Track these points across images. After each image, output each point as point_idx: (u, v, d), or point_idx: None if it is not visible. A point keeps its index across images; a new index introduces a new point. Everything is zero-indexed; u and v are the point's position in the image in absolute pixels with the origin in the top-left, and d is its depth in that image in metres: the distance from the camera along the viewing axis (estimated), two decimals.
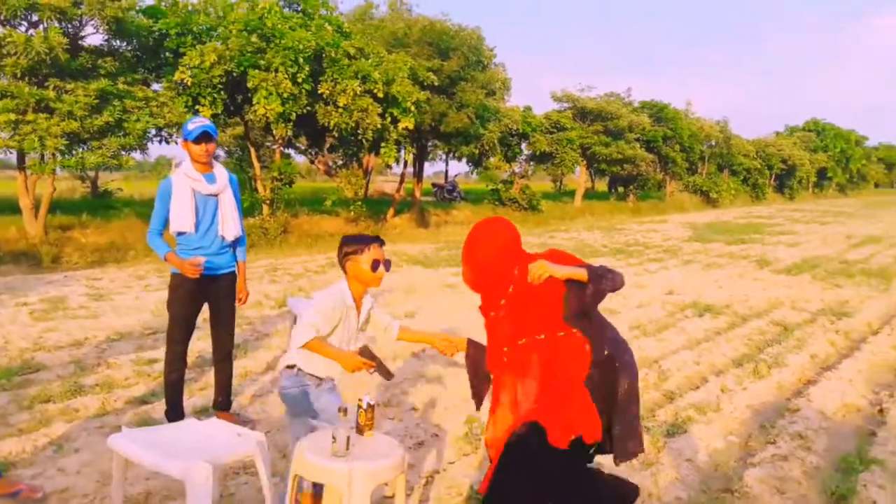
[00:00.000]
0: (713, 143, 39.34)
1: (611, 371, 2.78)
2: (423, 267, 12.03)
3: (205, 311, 4.45)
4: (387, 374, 3.16)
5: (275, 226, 15.05)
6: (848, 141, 59.08)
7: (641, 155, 29.75)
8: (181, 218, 4.16)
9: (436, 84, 16.44)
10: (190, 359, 4.73)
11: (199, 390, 5.30)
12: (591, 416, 2.72)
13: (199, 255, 4.15)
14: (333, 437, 2.70)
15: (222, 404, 4.63)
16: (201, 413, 4.72)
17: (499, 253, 2.76)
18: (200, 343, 6.08)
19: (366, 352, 3.08)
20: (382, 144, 15.33)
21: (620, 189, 35.21)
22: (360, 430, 2.89)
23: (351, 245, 3.13)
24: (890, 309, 9.19)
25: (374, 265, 3.09)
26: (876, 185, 72.53)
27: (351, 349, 3.15)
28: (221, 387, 4.63)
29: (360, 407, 2.89)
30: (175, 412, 4.38)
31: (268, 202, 15.44)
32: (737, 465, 4.18)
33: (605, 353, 2.78)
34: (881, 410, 5.15)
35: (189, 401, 4.88)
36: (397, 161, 17.56)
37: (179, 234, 4.22)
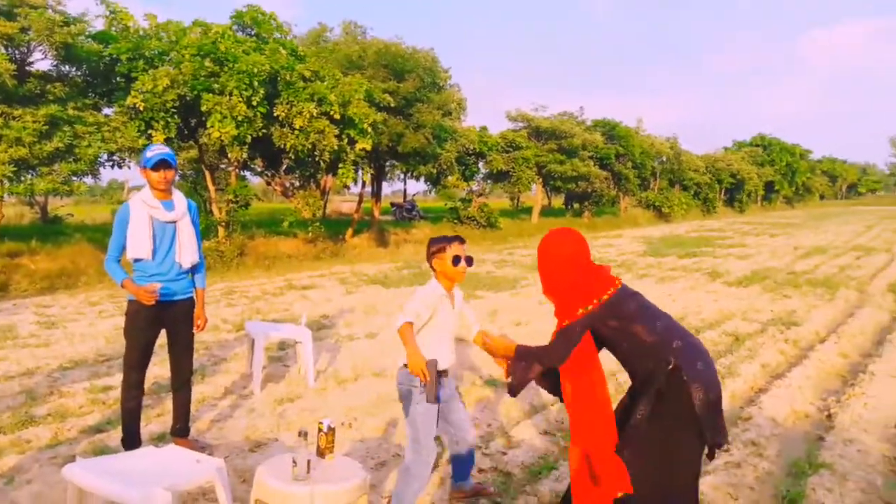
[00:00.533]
0: (664, 159, 40.31)
1: (678, 383, 2.77)
2: (383, 287, 12.02)
3: (162, 337, 4.42)
4: (431, 397, 3.19)
5: (231, 248, 14.89)
6: (793, 154, 61.14)
7: (595, 172, 30.30)
8: (138, 245, 4.17)
9: (392, 105, 16.56)
10: (146, 385, 4.66)
11: (156, 417, 5.22)
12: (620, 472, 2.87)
13: (155, 282, 4.14)
14: (294, 461, 2.70)
15: (180, 430, 4.58)
16: (159, 440, 4.65)
17: (563, 264, 2.98)
18: (156, 369, 5.99)
19: (431, 366, 3.18)
20: (340, 165, 15.35)
21: (576, 205, 35.75)
22: (320, 454, 2.90)
23: (435, 245, 3.49)
24: (835, 317, 9.52)
25: (455, 260, 3.40)
26: (821, 197, 75.00)
27: (446, 340, 3.45)
28: (180, 413, 4.58)
29: (320, 430, 2.90)
30: (132, 440, 4.31)
31: (223, 224, 15.29)
32: None
33: (670, 366, 2.79)
34: (829, 416, 5.33)
35: (146, 428, 4.80)
36: (355, 181, 17.56)
37: (136, 260, 4.21)
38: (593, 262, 3.06)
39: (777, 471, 4.31)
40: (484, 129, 26.39)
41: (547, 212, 35.45)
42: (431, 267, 3.52)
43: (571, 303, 2.95)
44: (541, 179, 29.89)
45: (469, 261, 3.45)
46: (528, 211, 33.62)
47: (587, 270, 3.01)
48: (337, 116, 14.19)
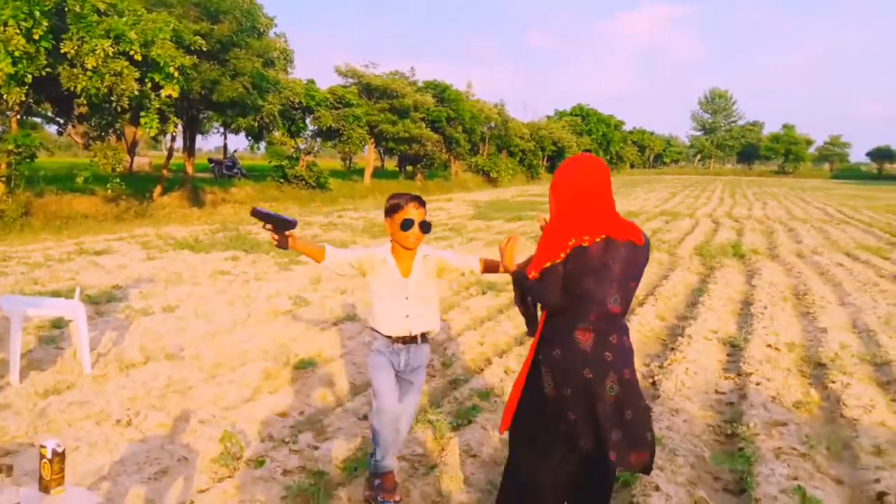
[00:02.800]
0: (492, 124, 41.10)
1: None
2: (192, 251, 10.81)
3: None
4: (255, 212, 2.88)
5: (13, 207, 12.87)
6: (608, 125, 65.35)
7: (427, 134, 30.09)
8: None
9: (205, 49, 14.97)
10: None
11: None
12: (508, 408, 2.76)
13: None
14: None
15: None
16: None
17: (595, 183, 2.58)
18: None
19: (255, 212, 2.88)
20: (142, 113, 13.63)
21: (409, 168, 35.49)
22: (45, 488, 2.11)
23: (390, 202, 3.09)
24: (651, 280, 9.82)
25: (405, 224, 3.00)
26: (631, 166, 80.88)
27: (393, 307, 3.12)
28: None
29: (42, 457, 2.10)
30: None
31: (3, 180, 13.12)
32: None
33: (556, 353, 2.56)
34: (654, 383, 5.25)
35: None
36: (163, 132, 15.75)
37: None
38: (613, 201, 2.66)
39: None
40: (311, 82, 25.07)
41: (380, 173, 34.90)
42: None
43: (561, 236, 2.56)
44: (373, 140, 29.16)
45: (424, 227, 3.05)
46: (361, 172, 32.84)
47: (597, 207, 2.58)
48: (138, 57, 12.52)
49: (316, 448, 3.85)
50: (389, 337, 3.13)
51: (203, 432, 3.93)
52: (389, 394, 3.10)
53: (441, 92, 34.03)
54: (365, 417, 4.30)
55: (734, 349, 6.29)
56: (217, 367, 5.23)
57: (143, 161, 26.22)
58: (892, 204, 28.91)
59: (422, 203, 3.08)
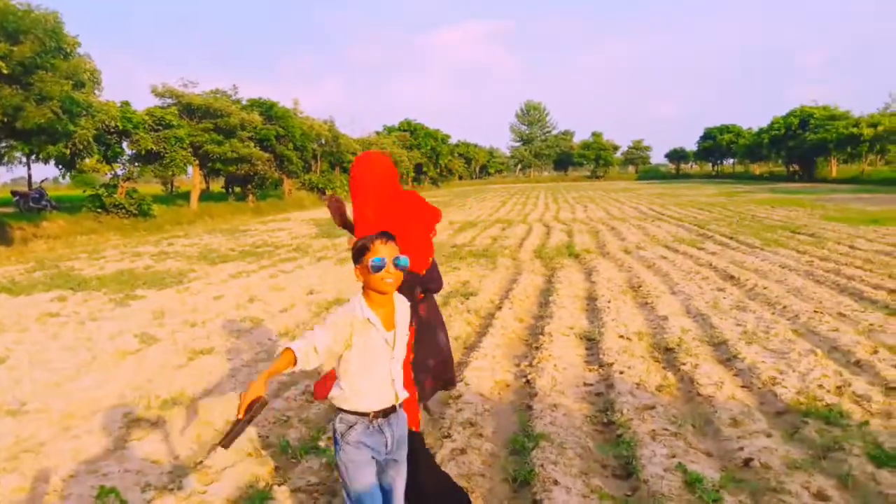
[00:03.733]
0: (323, 141, 40.75)
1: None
2: (10, 295, 9.66)
3: None
4: (225, 440, 2.22)
5: None
6: (436, 139, 67.06)
7: (257, 154, 29.21)
8: None
9: (4, 72, 13.51)
10: None
11: None
12: None
13: None
14: None
15: None
16: None
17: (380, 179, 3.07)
18: None
19: (256, 405, 2.24)
20: None
21: (237, 189, 34.21)
22: None
23: (356, 245, 2.59)
24: (502, 284, 10.20)
25: (375, 265, 2.49)
26: (459, 178, 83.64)
27: (378, 374, 2.53)
28: None
29: None
30: None
31: None
32: None
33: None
34: (528, 382, 5.44)
35: None
36: None
37: None
38: (402, 189, 3.34)
39: (500, 450, 4.17)
40: (126, 104, 23.44)
41: (207, 196, 33.30)
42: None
43: (419, 225, 3.10)
44: (197, 161, 27.77)
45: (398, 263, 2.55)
46: (185, 196, 31.16)
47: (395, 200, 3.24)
48: None
49: (203, 493, 3.57)
50: (368, 414, 2.53)
51: (72, 491, 3.52)
52: (373, 501, 2.56)
53: (268, 109, 33.21)
54: (251, 454, 4.06)
55: (591, 342, 6.68)
56: (69, 419, 4.70)
57: None
58: (692, 199, 32.21)
59: (389, 237, 2.58)
